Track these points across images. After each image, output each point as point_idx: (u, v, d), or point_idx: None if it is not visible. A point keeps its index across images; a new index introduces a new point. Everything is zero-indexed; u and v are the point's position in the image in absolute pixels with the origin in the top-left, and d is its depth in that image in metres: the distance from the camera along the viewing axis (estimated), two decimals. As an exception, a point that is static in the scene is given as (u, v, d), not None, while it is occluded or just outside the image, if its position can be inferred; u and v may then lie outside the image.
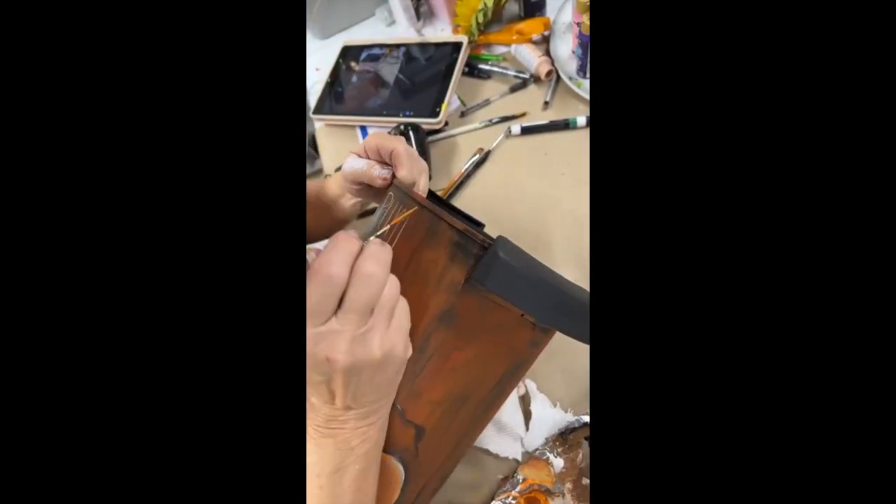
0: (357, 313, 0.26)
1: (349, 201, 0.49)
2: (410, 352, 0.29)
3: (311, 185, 0.52)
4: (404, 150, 0.37)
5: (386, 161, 0.38)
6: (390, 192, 0.34)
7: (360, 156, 0.40)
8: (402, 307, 0.29)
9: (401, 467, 0.33)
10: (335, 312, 0.26)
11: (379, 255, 0.27)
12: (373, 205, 0.51)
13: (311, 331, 0.26)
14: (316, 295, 0.25)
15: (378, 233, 0.31)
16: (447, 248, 0.30)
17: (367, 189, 0.42)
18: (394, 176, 0.37)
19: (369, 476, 0.30)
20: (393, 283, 0.28)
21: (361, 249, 0.27)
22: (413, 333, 0.30)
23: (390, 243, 0.31)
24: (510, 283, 0.27)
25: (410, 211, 0.30)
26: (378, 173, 0.38)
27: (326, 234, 0.55)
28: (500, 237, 0.29)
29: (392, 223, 0.31)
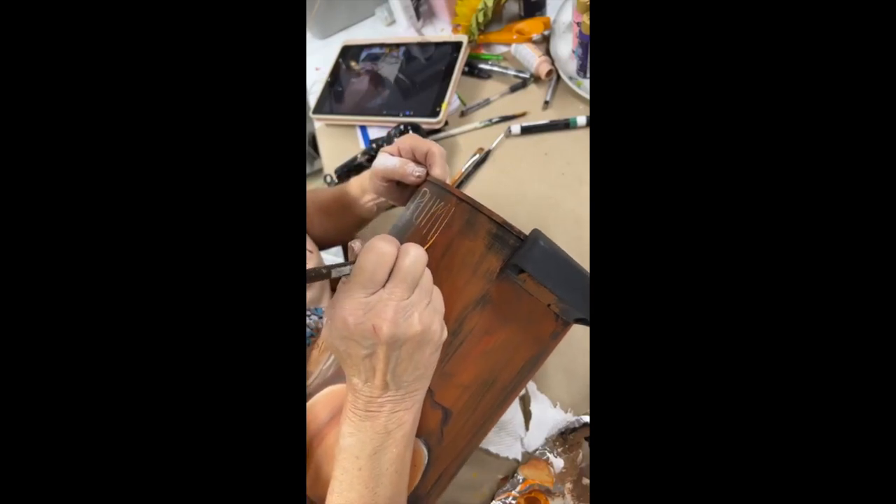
0: (404, 283, 0.29)
1: (369, 202, 0.52)
2: (445, 335, 0.31)
3: (333, 189, 0.57)
4: (439, 152, 0.40)
5: (419, 161, 0.41)
6: (425, 189, 0.37)
7: (392, 155, 0.42)
8: (438, 294, 0.31)
9: (425, 451, 0.34)
10: (384, 285, 0.29)
11: (419, 247, 0.30)
12: (390, 203, 0.53)
13: (361, 299, 0.28)
14: (370, 264, 0.28)
15: (417, 222, 0.35)
16: (485, 239, 0.32)
17: (393, 187, 0.44)
18: (427, 174, 0.40)
19: (406, 459, 0.32)
20: (429, 273, 0.31)
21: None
22: (448, 317, 0.33)
23: (430, 237, 0.34)
24: (547, 268, 0.30)
25: (451, 210, 0.34)
26: (412, 170, 0.41)
27: (346, 233, 0.60)
28: (535, 229, 0.32)
29: (442, 225, 0.34)
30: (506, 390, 0.35)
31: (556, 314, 0.34)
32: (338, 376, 0.35)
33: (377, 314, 0.28)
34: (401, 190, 0.45)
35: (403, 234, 0.36)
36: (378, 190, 0.46)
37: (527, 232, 0.32)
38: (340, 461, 0.30)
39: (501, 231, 0.32)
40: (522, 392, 0.49)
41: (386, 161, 0.42)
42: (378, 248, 0.28)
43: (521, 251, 0.31)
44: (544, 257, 0.30)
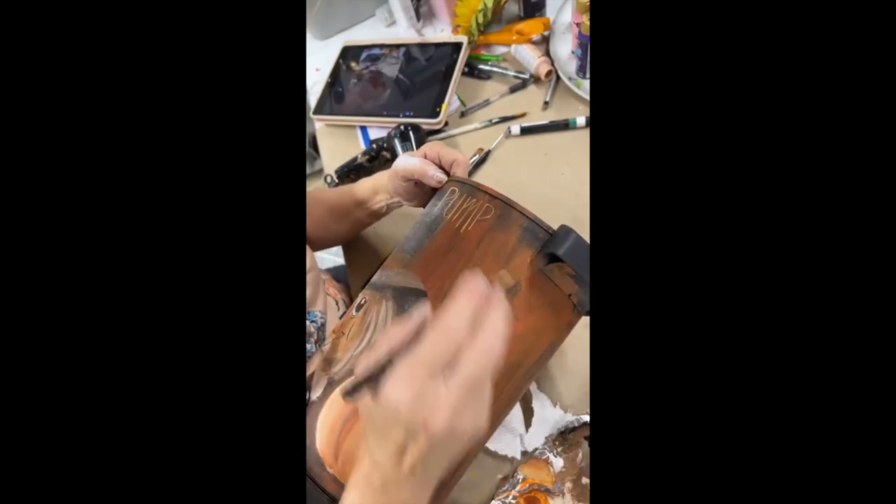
0: (469, 384, 0.24)
1: (379, 202, 0.54)
2: (490, 434, 0.30)
3: (339, 189, 0.58)
4: (465, 161, 0.43)
5: (442, 167, 0.44)
6: (453, 188, 0.40)
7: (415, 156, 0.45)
8: (489, 388, 0.26)
9: None
10: (445, 372, 0.24)
11: (505, 319, 0.25)
12: (400, 204, 0.54)
13: (418, 384, 0.24)
14: (440, 348, 0.24)
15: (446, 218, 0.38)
16: (517, 232, 0.35)
17: (412, 187, 0.46)
18: (448, 178, 0.43)
19: None
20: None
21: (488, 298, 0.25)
22: None
23: (464, 229, 0.36)
24: (580, 256, 0.33)
25: (483, 206, 0.36)
26: (433, 173, 0.43)
27: (350, 232, 0.62)
28: (564, 224, 0.34)
29: (475, 219, 0.37)
30: (527, 375, 0.37)
31: (574, 304, 0.37)
32: None
33: (430, 409, 0.24)
34: (417, 191, 0.47)
35: (434, 228, 0.38)
36: (397, 189, 0.48)
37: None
38: None
39: (532, 226, 0.35)
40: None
41: (408, 161, 0.45)
42: (450, 329, 0.24)
43: (556, 240, 0.34)
44: (577, 247, 0.33)
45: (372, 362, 0.25)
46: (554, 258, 0.33)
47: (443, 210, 0.39)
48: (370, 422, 0.26)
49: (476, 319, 0.25)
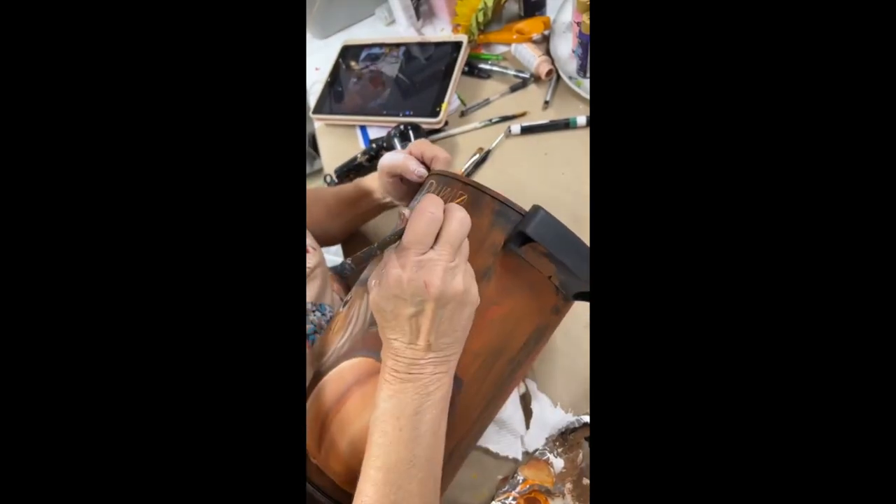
0: (452, 246, 0.31)
1: (370, 203, 0.56)
2: (479, 300, 0.33)
3: (345, 186, 0.60)
4: (444, 158, 0.45)
5: (424, 163, 0.45)
6: (431, 180, 0.41)
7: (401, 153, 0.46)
8: (467, 249, 0.34)
9: None
10: (432, 246, 0.31)
11: (463, 209, 0.33)
12: (393, 204, 0.56)
13: (414, 258, 0.30)
14: (422, 226, 0.30)
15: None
16: (489, 217, 0.35)
17: (398, 183, 0.48)
18: (429, 170, 0.45)
19: (442, 422, 0.33)
20: (467, 239, 0.33)
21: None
22: None
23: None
24: (546, 233, 0.33)
25: (457, 193, 0.37)
26: (414, 167, 0.44)
27: (352, 229, 0.63)
28: (536, 204, 0.34)
29: (457, 201, 0.37)
30: (513, 362, 0.37)
31: (557, 287, 0.36)
32: (353, 351, 0.37)
33: (428, 272, 0.30)
34: (405, 188, 0.48)
35: None
36: (385, 187, 0.49)
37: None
38: (379, 426, 0.31)
39: (504, 208, 0.35)
40: (524, 390, 0.50)
41: (392, 157, 0.46)
42: (429, 212, 0.31)
43: (523, 220, 0.34)
44: (544, 224, 0.33)
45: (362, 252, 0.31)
46: (526, 239, 0.33)
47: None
48: (382, 314, 0.32)
49: (441, 207, 0.32)
